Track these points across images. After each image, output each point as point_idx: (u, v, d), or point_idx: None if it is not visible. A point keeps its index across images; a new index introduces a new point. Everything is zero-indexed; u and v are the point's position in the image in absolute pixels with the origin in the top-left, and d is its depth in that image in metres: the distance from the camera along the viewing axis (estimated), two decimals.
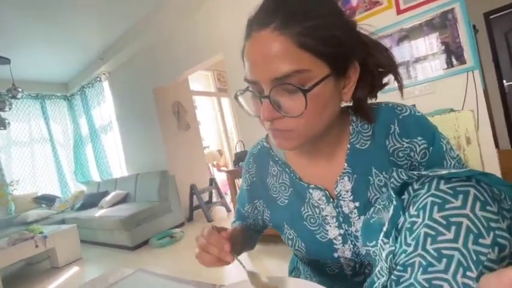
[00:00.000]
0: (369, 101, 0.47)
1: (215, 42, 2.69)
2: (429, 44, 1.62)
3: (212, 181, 3.76)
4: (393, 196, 0.32)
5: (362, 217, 0.45)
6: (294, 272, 0.64)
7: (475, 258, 0.25)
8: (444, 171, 0.30)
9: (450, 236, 0.26)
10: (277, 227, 0.54)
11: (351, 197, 0.46)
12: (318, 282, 0.46)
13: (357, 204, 0.46)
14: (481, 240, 0.26)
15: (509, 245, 0.26)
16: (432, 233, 0.27)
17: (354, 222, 0.46)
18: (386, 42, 1.76)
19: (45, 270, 2.81)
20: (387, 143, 0.44)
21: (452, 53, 1.57)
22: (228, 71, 2.72)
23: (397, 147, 0.44)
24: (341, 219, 0.47)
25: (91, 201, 3.77)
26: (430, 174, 0.30)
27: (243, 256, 0.53)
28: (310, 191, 0.49)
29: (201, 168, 4.00)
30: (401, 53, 1.72)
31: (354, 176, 0.46)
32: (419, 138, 0.43)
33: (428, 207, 0.28)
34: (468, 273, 0.25)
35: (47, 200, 4.13)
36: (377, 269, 0.33)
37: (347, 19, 0.39)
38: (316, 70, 0.36)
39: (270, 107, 0.37)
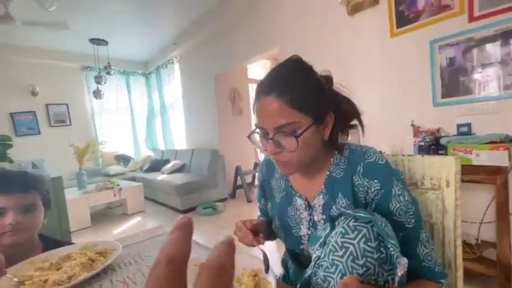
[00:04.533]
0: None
1: (272, 37, 2.81)
2: (503, 56, 1.45)
3: (256, 165, 4.03)
4: (329, 223, 0.49)
5: (325, 226, 0.58)
6: (283, 261, 0.79)
7: (350, 270, 0.41)
8: (357, 213, 0.44)
9: (340, 253, 0.44)
10: (272, 216, 0.73)
11: (321, 210, 0.60)
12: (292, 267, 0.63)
13: (324, 216, 0.60)
14: (356, 261, 0.41)
15: (373, 267, 0.41)
16: (333, 249, 0.45)
17: (318, 229, 0.60)
18: (451, 52, 1.63)
19: (118, 214, 3.57)
20: (354, 177, 0.57)
21: None
22: None
23: (360, 183, 0.56)
24: (310, 224, 0.62)
25: (156, 165, 4.47)
26: (351, 213, 0.45)
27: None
28: (296, 197, 0.65)
29: (248, 151, 4.29)
30: (464, 64, 1.58)
31: (326, 195, 0.60)
32: (375, 181, 0.54)
33: (337, 234, 0.46)
34: (344, 276, 0.40)
35: (124, 159, 5.06)
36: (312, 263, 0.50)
37: (322, 85, 0.56)
38: (303, 121, 0.53)
39: (273, 145, 0.55)
